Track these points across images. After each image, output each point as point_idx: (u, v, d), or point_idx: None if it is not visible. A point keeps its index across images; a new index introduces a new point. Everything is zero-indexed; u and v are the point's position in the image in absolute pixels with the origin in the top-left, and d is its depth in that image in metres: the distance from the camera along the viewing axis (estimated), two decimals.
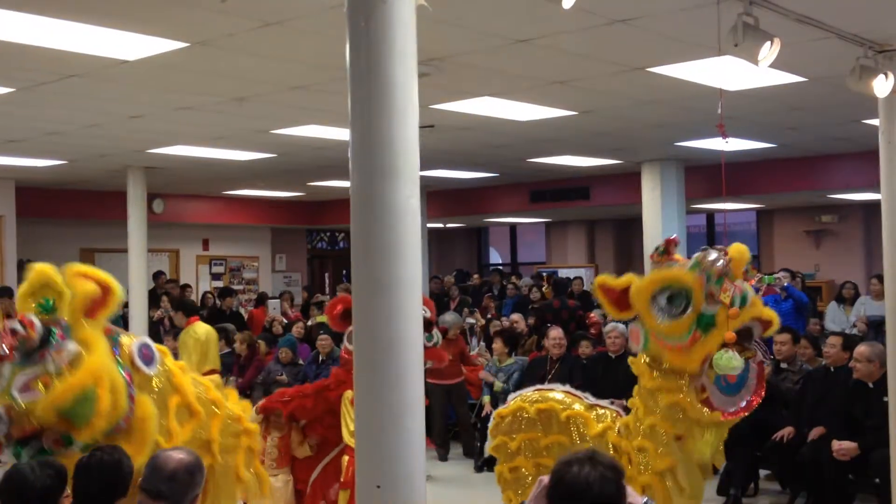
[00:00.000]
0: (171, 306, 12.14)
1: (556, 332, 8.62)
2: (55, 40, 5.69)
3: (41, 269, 4.10)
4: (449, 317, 9.60)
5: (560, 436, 5.52)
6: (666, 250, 5.14)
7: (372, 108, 3.17)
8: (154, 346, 4.43)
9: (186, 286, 14.21)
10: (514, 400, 5.83)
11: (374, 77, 3.16)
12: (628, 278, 5.17)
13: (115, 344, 4.17)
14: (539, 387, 5.96)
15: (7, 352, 3.90)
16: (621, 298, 5.17)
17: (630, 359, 5.47)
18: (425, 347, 3.61)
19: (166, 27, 5.46)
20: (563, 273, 16.46)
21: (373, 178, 3.18)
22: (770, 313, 5.13)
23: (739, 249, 5.03)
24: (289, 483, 6.05)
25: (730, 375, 5.03)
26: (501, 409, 5.91)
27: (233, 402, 4.96)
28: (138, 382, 4.17)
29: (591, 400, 5.67)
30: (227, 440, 4.69)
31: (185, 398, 4.45)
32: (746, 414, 5.21)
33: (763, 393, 5.22)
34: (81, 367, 3.87)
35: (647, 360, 5.18)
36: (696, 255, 5.00)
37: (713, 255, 4.92)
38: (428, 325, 5.36)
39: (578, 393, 5.75)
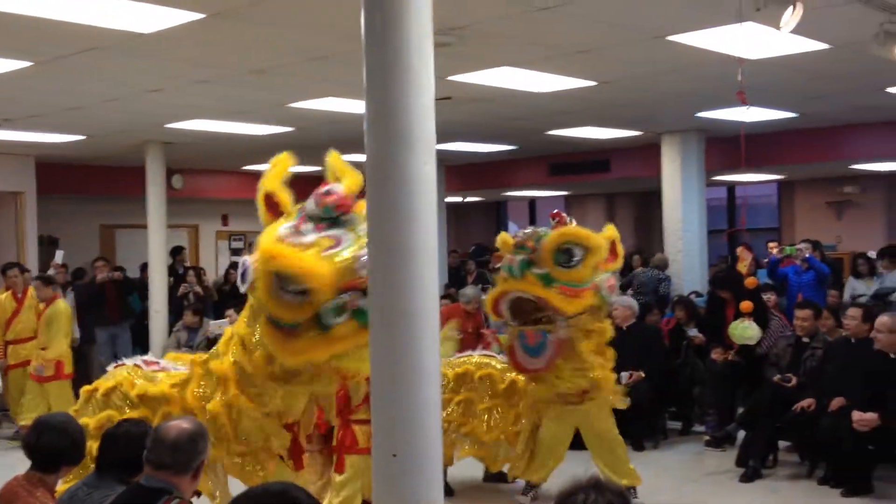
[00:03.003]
0: (195, 281, 12.25)
1: None
2: (71, 13, 5.68)
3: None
4: (469, 290, 9.65)
5: (471, 392, 6.48)
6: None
7: (386, 75, 3.15)
8: None
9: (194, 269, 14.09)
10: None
11: (388, 42, 3.13)
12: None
13: None
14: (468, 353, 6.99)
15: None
16: None
17: None
18: None
19: None
20: None
21: (388, 146, 3.16)
22: (540, 293, 5.92)
23: (555, 234, 6.01)
24: None
25: (529, 337, 5.98)
26: None
27: None
28: None
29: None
30: None
31: None
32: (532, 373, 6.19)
33: (552, 365, 6.07)
34: None
35: None
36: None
37: (526, 232, 6.02)
38: None
39: (496, 355, 6.78)
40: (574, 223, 6.21)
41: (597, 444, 6.46)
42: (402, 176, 3.15)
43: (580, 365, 6.13)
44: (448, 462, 6.80)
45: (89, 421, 4.80)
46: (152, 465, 3.20)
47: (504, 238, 6.23)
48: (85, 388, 5.29)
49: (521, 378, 6.41)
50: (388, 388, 3.13)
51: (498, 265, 6.15)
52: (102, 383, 5.15)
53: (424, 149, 3.20)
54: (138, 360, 5.32)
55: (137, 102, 8.87)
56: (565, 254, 5.91)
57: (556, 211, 6.24)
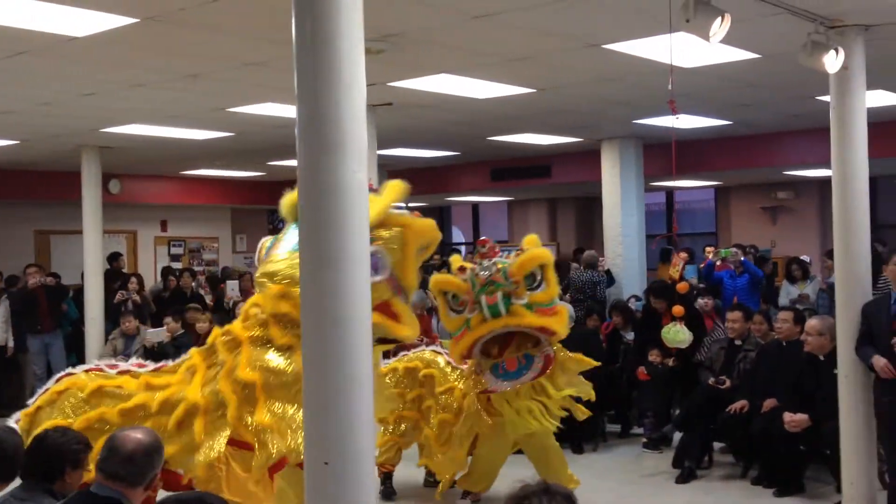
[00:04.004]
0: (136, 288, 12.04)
1: None
2: (1, 16, 5.57)
3: None
4: (415, 296, 9.66)
5: (420, 389, 6.58)
6: (483, 254, 6.05)
7: (318, 82, 3.15)
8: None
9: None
10: (393, 362, 6.75)
11: (319, 50, 3.13)
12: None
13: None
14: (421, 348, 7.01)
15: None
16: None
17: None
18: None
19: (115, 1, 5.36)
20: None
21: (319, 153, 3.16)
22: (536, 322, 5.92)
23: (520, 261, 5.89)
24: None
25: (508, 364, 5.94)
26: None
27: None
28: None
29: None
30: None
31: None
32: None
33: (543, 375, 6.02)
34: None
35: None
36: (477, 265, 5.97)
37: (484, 266, 5.84)
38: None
39: (443, 350, 6.77)
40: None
41: (534, 455, 6.49)
42: (333, 183, 3.15)
43: (570, 378, 6.22)
44: (396, 460, 6.89)
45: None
46: (105, 474, 3.15)
47: (459, 261, 6.20)
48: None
49: (460, 387, 6.44)
50: (320, 395, 3.13)
51: (460, 308, 5.95)
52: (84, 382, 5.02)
53: (356, 156, 3.20)
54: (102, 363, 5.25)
55: (71, 107, 8.73)
56: (530, 278, 5.94)
57: (483, 238, 6.25)
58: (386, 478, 7.03)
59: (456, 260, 6.39)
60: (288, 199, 4.77)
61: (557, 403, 6.13)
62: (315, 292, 3.15)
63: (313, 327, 3.15)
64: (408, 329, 4.61)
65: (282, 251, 4.67)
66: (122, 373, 5.05)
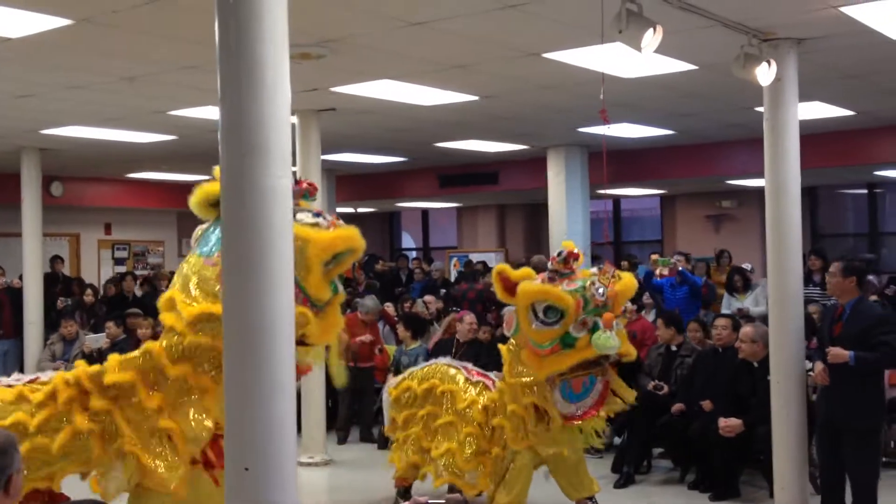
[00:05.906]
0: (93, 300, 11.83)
1: (470, 318, 8.74)
2: None
3: None
4: (369, 301, 9.68)
5: (434, 407, 6.34)
6: (565, 260, 5.70)
7: (241, 87, 3.13)
8: None
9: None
10: (405, 378, 6.54)
11: (242, 54, 3.11)
12: (525, 272, 5.85)
13: None
14: (434, 361, 6.75)
15: None
16: (513, 287, 5.78)
17: (500, 345, 6.22)
18: None
19: (48, 3, 5.29)
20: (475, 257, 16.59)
21: (242, 158, 3.14)
22: (630, 350, 5.83)
23: (627, 284, 5.70)
24: None
25: (575, 385, 5.78)
26: (390, 387, 6.66)
27: None
28: None
29: (473, 371, 6.46)
30: None
31: None
32: (580, 422, 5.94)
33: (601, 409, 5.94)
34: None
35: (513, 347, 5.93)
36: (584, 280, 5.60)
37: (600, 288, 5.54)
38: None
39: (460, 365, 6.55)
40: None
41: (561, 463, 6.28)
42: (256, 189, 3.14)
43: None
44: (412, 477, 6.67)
45: None
46: None
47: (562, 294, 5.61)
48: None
49: (480, 401, 6.19)
50: (241, 401, 3.11)
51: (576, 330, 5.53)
52: None
53: (280, 162, 3.19)
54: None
55: (8, 108, 8.60)
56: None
57: (577, 252, 5.87)
58: (405, 491, 6.78)
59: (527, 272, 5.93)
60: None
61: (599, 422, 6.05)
62: (237, 297, 3.13)
63: (235, 333, 3.13)
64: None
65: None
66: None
